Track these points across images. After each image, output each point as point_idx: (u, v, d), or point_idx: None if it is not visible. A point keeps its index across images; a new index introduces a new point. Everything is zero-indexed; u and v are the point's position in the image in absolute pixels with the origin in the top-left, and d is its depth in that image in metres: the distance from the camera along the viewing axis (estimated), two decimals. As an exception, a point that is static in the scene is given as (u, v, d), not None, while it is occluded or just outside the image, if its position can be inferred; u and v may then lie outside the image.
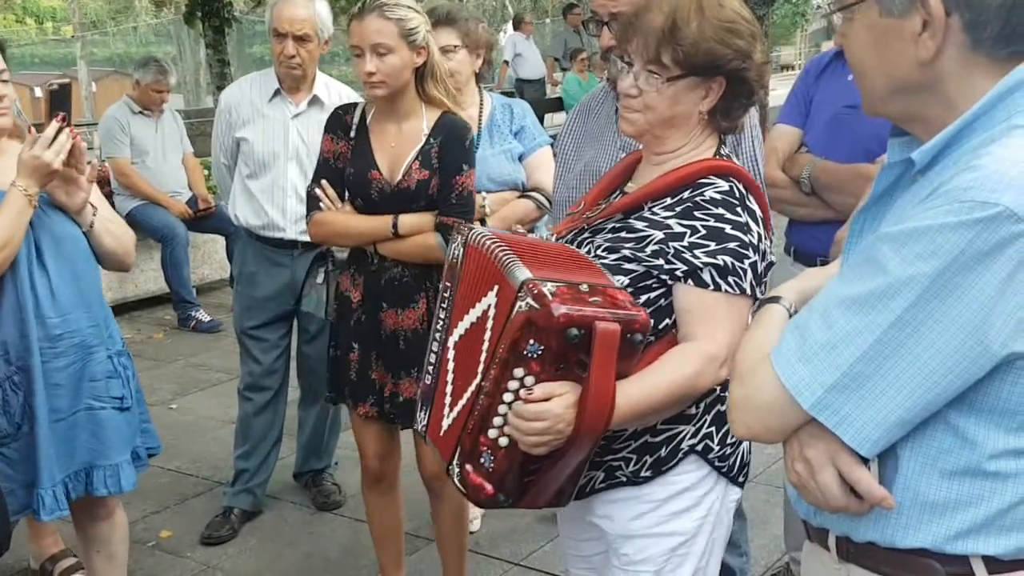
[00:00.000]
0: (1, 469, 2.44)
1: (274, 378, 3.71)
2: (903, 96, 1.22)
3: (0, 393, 2.39)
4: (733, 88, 1.81)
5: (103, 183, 6.46)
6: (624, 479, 1.87)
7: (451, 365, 1.91)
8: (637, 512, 1.88)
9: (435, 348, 1.99)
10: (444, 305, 1.97)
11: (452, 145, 2.68)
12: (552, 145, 3.24)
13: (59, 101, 2.43)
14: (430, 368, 2.00)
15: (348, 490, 3.84)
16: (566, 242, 1.95)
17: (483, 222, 3.08)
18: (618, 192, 1.98)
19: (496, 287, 1.76)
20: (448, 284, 1.96)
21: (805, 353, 1.18)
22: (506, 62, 13.28)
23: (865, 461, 1.22)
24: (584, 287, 1.67)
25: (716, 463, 1.89)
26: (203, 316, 6.33)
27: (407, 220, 2.68)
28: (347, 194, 2.76)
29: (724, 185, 1.81)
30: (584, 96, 2.73)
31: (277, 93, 3.50)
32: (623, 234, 1.84)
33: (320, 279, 2.96)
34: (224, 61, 9.87)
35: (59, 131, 2.32)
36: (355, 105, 2.84)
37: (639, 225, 1.83)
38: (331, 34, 3.46)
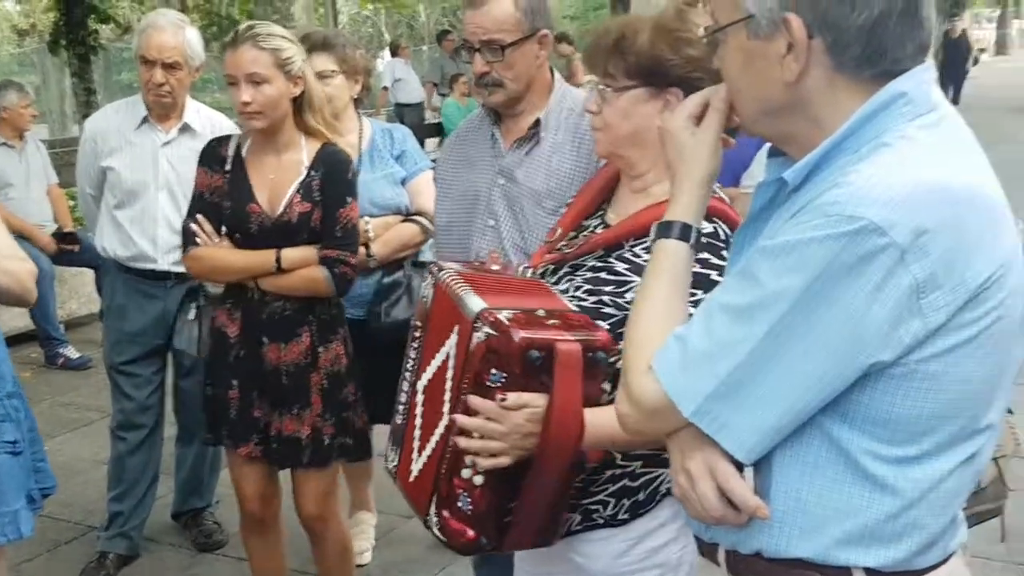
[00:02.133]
0: None
1: (148, 415, 3.56)
2: (773, 117, 1.25)
3: None
4: None
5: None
6: (601, 521, 1.84)
7: (420, 409, 1.86)
8: (619, 550, 1.85)
9: (405, 388, 1.94)
10: (414, 345, 1.92)
11: (334, 178, 2.65)
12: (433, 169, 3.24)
13: None
14: (400, 408, 1.95)
15: (230, 528, 3.71)
16: (545, 277, 1.91)
17: (367, 247, 3.05)
18: (599, 220, 1.95)
19: (456, 326, 1.72)
20: (419, 324, 1.91)
21: (686, 361, 1.21)
22: (385, 88, 13.29)
23: (741, 471, 1.25)
24: (541, 312, 1.65)
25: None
26: (71, 353, 6.07)
27: (290, 254, 2.63)
28: (223, 228, 2.69)
29: (708, 227, 1.73)
30: (462, 122, 2.74)
31: (145, 121, 3.39)
32: (603, 275, 1.81)
33: (192, 315, 2.88)
34: (90, 89, 9.59)
35: None
36: (230, 137, 2.78)
37: (620, 267, 1.79)
38: (203, 61, 3.38)
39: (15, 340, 6.39)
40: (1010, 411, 1.70)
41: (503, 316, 1.61)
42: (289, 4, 8.11)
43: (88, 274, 6.53)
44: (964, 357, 1.15)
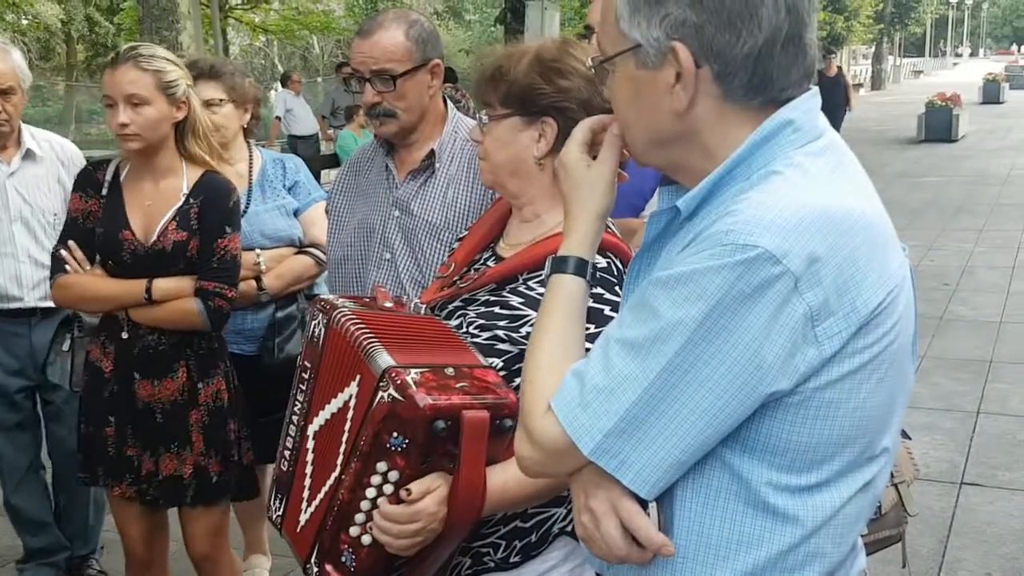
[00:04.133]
0: None
1: (22, 457, 3.40)
2: (664, 147, 1.25)
3: None
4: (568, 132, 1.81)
5: None
6: (492, 564, 1.78)
7: (310, 456, 1.78)
8: None
9: (292, 432, 1.85)
10: (303, 387, 1.83)
11: (213, 206, 2.56)
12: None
13: None
14: (286, 453, 1.86)
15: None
16: (437, 312, 1.86)
17: (259, 280, 2.97)
18: (491, 252, 1.91)
19: (358, 376, 1.64)
20: (308, 364, 1.82)
21: (584, 398, 1.18)
22: (277, 118, 13.13)
23: (645, 508, 1.23)
24: (450, 371, 1.59)
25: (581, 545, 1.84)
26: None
27: (162, 284, 2.53)
28: (97, 256, 2.59)
29: (602, 262, 1.71)
30: (354, 152, 2.70)
31: None
32: (497, 309, 1.77)
33: (66, 346, 2.75)
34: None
35: None
36: (108, 161, 2.68)
37: (514, 301, 1.76)
38: (31, 82, 3.24)
39: None
40: (907, 435, 1.72)
41: (410, 378, 1.55)
42: (176, 34, 7.93)
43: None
44: (859, 383, 1.16)
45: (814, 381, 1.14)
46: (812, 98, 1.23)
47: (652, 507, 1.25)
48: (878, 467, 1.23)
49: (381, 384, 1.57)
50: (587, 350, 1.54)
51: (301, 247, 3.15)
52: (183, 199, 2.56)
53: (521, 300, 1.77)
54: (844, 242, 1.12)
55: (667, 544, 1.22)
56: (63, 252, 2.58)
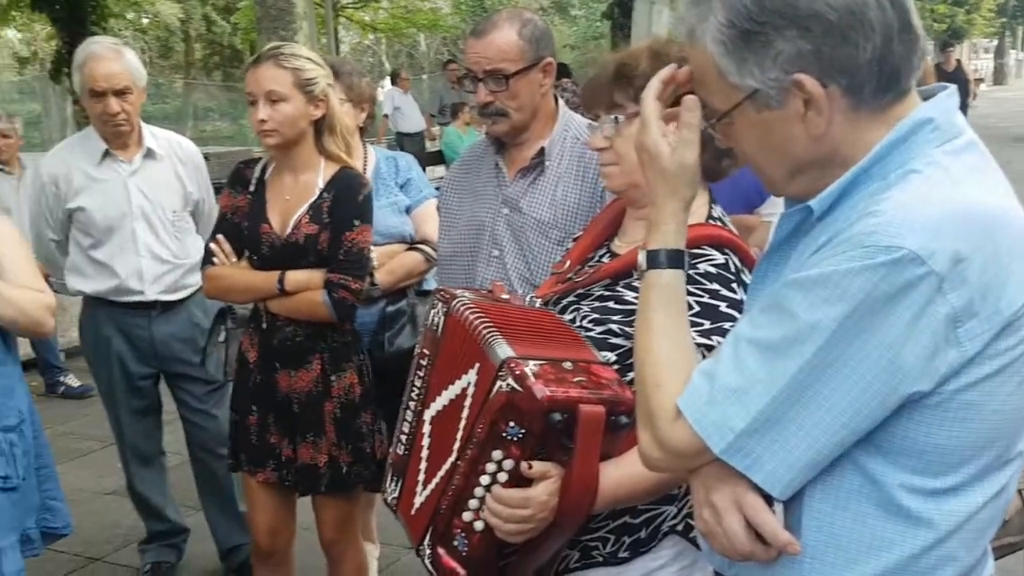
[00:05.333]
0: None
1: (149, 443, 3.56)
2: (803, 173, 1.24)
3: None
4: None
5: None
6: (600, 559, 1.78)
7: (426, 440, 1.82)
8: None
9: (409, 418, 1.90)
10: (420, 374, 1.88)
11: (343, 200, 2.62)
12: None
13: None
14: (402, 438, 1.91)
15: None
16: (551, 306, 1.88)
17: (371, 275, 3.03)
18: (606, 250, 1.92)
19: (477, 365, 1.67)
20: (426, 352, 1.86)
21: (715, 397, 1.18)
22: (386, 116, 13.34)
23: (770, 505, 1.22)
24: (568, 364, 1.60)
25: (698, 541, 1.84)
26: (72, 381, 6.05)
27: (293, 277, 2.61)
28: (246, 251, 2.70)
29: (719, 258, 1.72)
30: (464, 151, 2.73)
31: (107, 155, 3.32)
32: (611, 304, 1.77)
33: (221, 338, 2.86)
34: (92, 117, 9.58)
35: None
36: (258, 160, 2.78)
37: (628, 296, 1.75)
38: (146, 81, 3.35)
39: (15, 368, 6.37)
40: None
41: (529, 369, 1.56)
42: (292, 34, 8.15)
43: (89, 302, 6.50)
44: (999, 385, 1.14)
45: (954, 383, 1.12)
46: (950, 96, 1.22)
47: (777, 505, 1.24)
48: (1012, 471, 1.21)
49: (500, 374, 1.58)
50: (700, 346, 1.55)
51: (412, 243, 3.21)
52: (317, 193, 2.63)
53: (635, 295, 1.76)
54: (988, 241, 1.10)
55: (793, 542, 1.21)
56: (212, 245, 2.70)
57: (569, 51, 29.84)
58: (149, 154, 3.36)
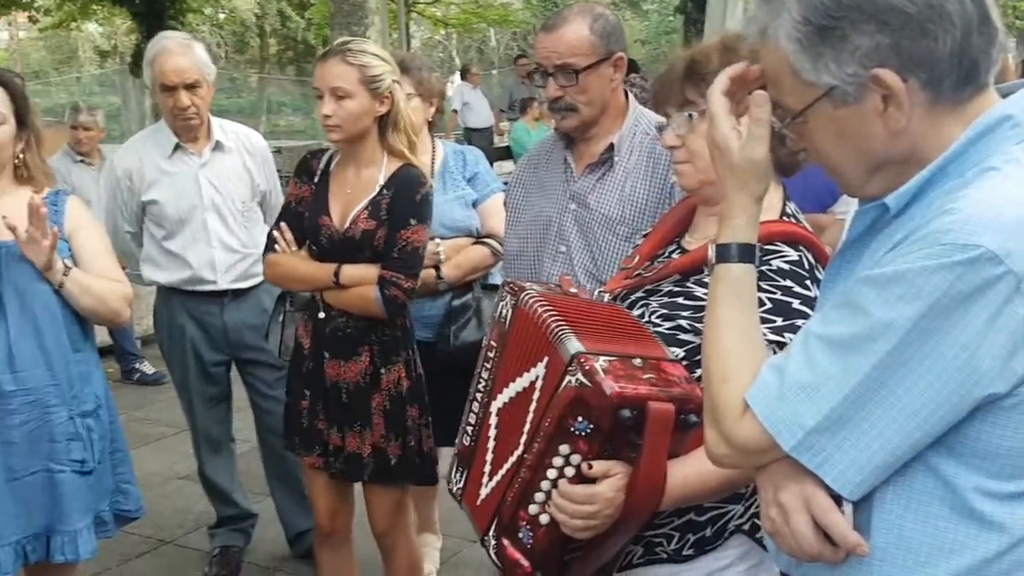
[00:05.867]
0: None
1: (220, 429, 3.64)
2: (880, 171, 1.22)
3: None
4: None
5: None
6: (664, 556, 1.77)
7: (492, 432, 1.83)
8: None
9: (475, 409, 1.91)
10: (488, 366, 1.88)
11: (401, 198, 2.63)
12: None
13: None
14: (468, 429, 1.92)
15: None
16: (619, 302, 1.87)
17: (437, 269, 3.05)
18: (675, 246, 1.91)
19: (546, 358, 1.66)
20: (494, 344, 1.87)
21: (785, 393, 1.17)
22: (455, 111, 13.39)
23: (839, 506, 1.20)
24: (637, 361, 1.59)
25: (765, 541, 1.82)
26: (147, 368, 6.19)
27: (349, 271, 2.64)
28: (307, 241, 2.74)
29: (793, 255, 1.70)
30: (533, 146, 2.73)
31: (177, 148, 3.38)
32: (680, 300, 1.76)
33: (280, 318, 2.92)
34: (169, 110, 9.78)
35: None
36: (325, 150, 2.81)
37: (698, 292, 1.73)
38: (215, 75, 3.40)
39: (93, 355, 6.55)
40: None
41: (599, 365, 1.55)
42: (364, 29, 8.22)
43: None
44: None
45: None
46: None
47: (846, 505, 1.22)
48: None
49: (569, 369, 1.58)
50: (772, 343, 1.53)
51: (478, 237, 3.22)
52: (377, 189, 2.65)
53: (706, 291, 1.74)
54: None
55: (862, 544, 1.19)
56: (275, 233, 2.75)
57: (640, 46, 29.62)
58: (218, 147, 3.43)
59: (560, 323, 1.65)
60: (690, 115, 1.76)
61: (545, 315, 1.69)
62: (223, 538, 3.73)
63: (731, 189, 1.34)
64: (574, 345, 1.60)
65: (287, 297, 2.91)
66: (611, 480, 1.58)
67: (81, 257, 2.51)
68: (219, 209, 3.40)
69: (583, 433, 1.57)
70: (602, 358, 1.57)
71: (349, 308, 2.67)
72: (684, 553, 1.77)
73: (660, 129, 1.84)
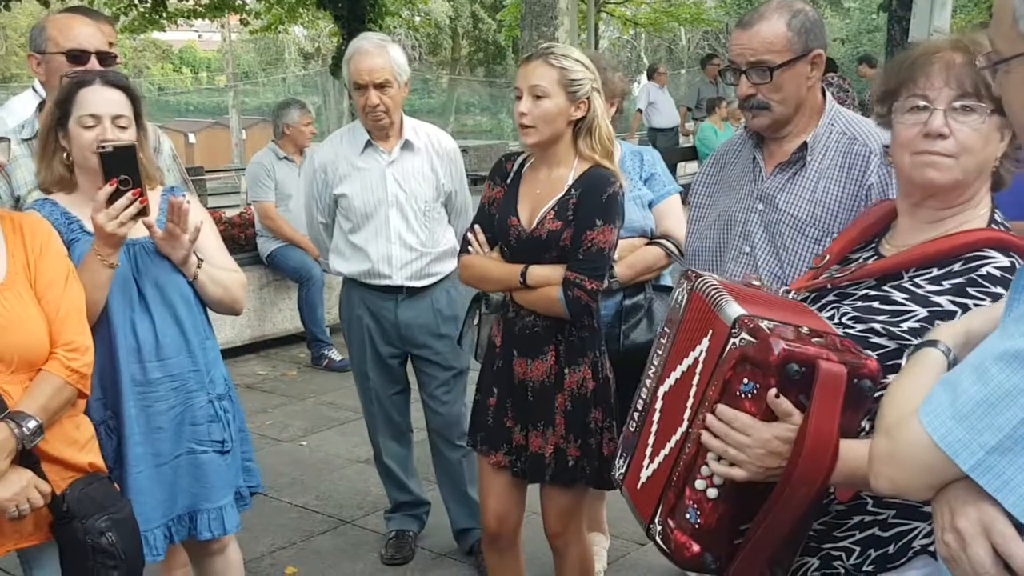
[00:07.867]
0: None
1: (398, 419, 3.75)
2: None
3: (97, 436, 2.44)
4: None
5: (247, 225, 6.74)
6: (842, 570, 1.70)
7: (657, 415, 1.81)
8: None
9: (644, 395, 1.89)
10: (659, 352, 1.87)
11: (588, 198, 2.61)
12: (684, 193, 3.17)
13: (114, 165, 2.37)
14: (635, 415, 1.91)
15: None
16: (807, 303, 1.81)
17: (610, 268, 3.03)
18: (871, 250, 1.83)
19: (709, 332, 1.63)
20: (667, 330, 1.86)
21: (959, 411, 1.11)
22: (639, 110, 13.31)
23: (1021, 533, 1.12)
24: (805, 329, 1.53)
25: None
26: (335, 355, 6.44)
27: (536, 271, 2.65)
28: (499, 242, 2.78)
29: (1004, 261, 1.60)
30: (721, 145, 2.66)
31: (368, 145, 3.50)
32: (876, 304, 1.68)
33: (475, 321, 2.99)
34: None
35: (114, 195, 2.35)
36: (519, 153, 2.86)
37: (898, 296, 1.66)
38: (409, 76, 3.48)
39: (286, 341, 6.93)
40: None
41: (764, 324, 1.50)
42: (553, 30, 8.28)
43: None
44: None
45: None
46: None
47: None
48: None
49: (732, 331, 1.53)
50: None
51: (653, 238, 3.18)
52: (565, 189, 2.66)
53: (905, 296, 1.65)
54: None
55: None
56: (469, 234, 2.81)
57: (840, 45, 28.51)
58: (407, 146, 3.52)
59: (723, 294, 1.61)
60: (970, 110, 1.63)
61: (711, 292, 1.65)
62: (398, 522, 3.85)
63: None
64: (735, 309, 1.55)
65: (482, 299, 2.96)
66: (775, 425, 1.50)
67: (201, 249, 2.63)
68: (402, 207, 3.50)
69: (749, 395, 1.51)
70: (767, 320, 1.51)
71: (535, 308, 2.69)
72: (864, 569, 1.68)
73: (916, 109, 1.67)
